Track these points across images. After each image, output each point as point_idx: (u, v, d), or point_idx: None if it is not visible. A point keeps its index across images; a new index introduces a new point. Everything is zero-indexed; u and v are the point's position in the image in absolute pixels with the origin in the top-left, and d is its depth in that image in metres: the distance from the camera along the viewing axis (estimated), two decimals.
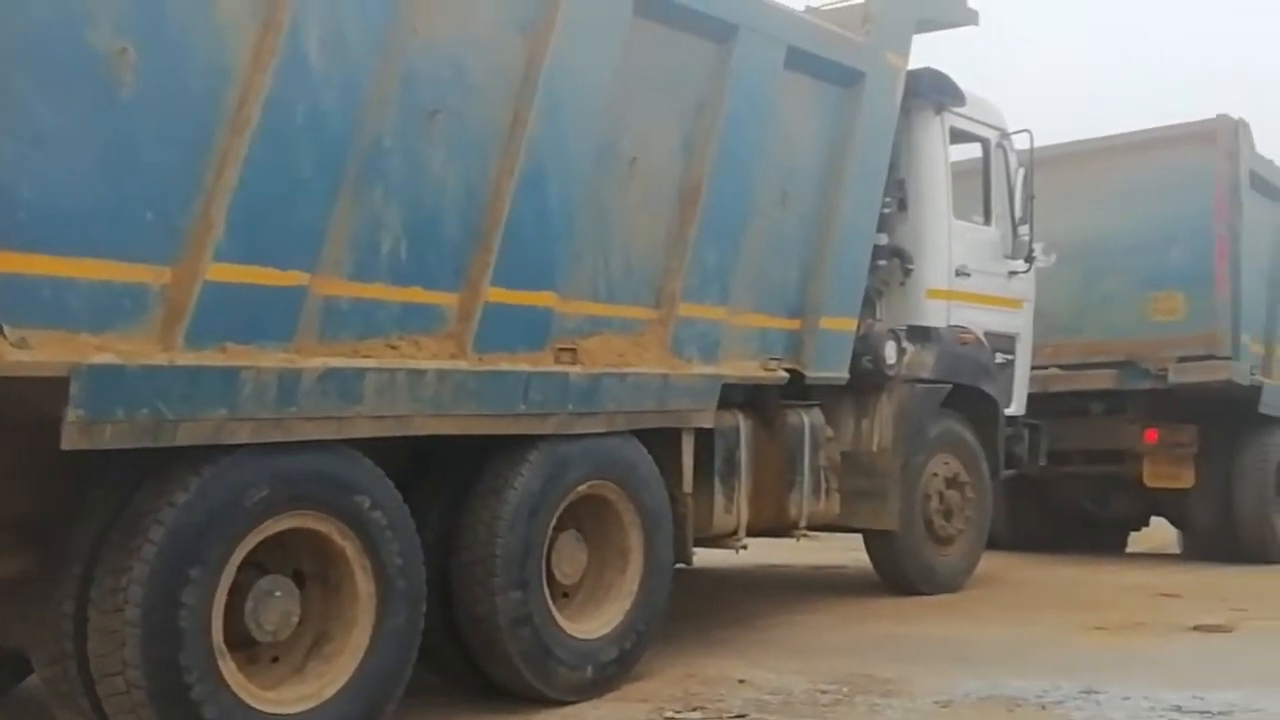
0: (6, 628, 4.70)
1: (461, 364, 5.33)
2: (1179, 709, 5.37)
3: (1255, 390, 11.09)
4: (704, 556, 7.44)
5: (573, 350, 5.91)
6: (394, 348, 5.11)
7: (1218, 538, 11.56)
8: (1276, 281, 11.78)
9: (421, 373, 5.13)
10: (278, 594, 4.70)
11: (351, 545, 4.93)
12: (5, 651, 4.91)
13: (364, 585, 4.97)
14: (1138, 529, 13.43)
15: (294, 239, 4.68)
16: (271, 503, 4.62)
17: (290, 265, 4.66)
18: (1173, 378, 10.79)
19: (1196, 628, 7.53)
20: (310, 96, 4.69)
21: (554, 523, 5.84)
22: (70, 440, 3.97)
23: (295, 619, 4.77)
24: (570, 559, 6.04)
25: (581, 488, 5.97)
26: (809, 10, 8.10)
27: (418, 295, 5.23)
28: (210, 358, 4.39)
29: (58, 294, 4.03)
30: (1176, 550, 12.93)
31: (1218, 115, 11.02)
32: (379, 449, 5.06)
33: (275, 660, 4.83)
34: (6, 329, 3.85)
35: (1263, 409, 11.23)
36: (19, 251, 3.93)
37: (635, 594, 6.22)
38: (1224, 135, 10.90)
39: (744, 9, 6.84)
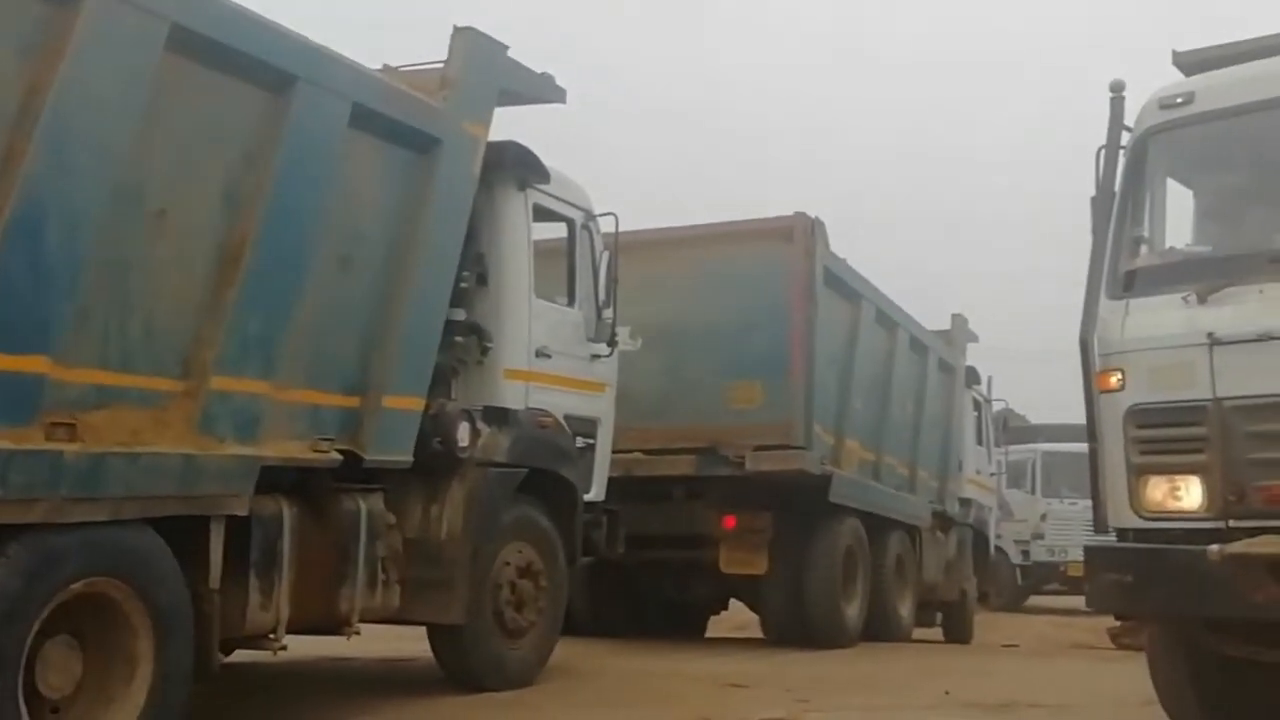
0: None
1: None
2: None
3: (826, 479, 11.45)
4: (249, 651, 6.73)
5: (71, 425, 5.11)
6: None
7: (791, 622, 11.82)
8: (847, 375, 12.28)
9: None
10: None
11: None
12: None
13: None
14: (717, 612, 13.62)
15: None
16: None
17: None
18: (749, 465, 10.96)
19: None
20: None
21: (38, 628, 4.99)
22: None
23: None
24: (60, 669, 5.21)
25: (76, 586, 5.17)
26: (385, 69, 7.65)
27: None
28: None
29: None
30: (758, 632, 13.16)
31: (795, 213, 11.43)
32: None
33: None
34: None
35: (833, 498, 11.60)
36: None
37: (143, 707, 5.45)
38: (801, 232, 11.29)
39: (304, 59, 6.33)
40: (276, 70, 6.12)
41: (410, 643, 8.58)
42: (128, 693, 5.42)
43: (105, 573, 5.26)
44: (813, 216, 11.46)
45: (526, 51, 8.15)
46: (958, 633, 15.90)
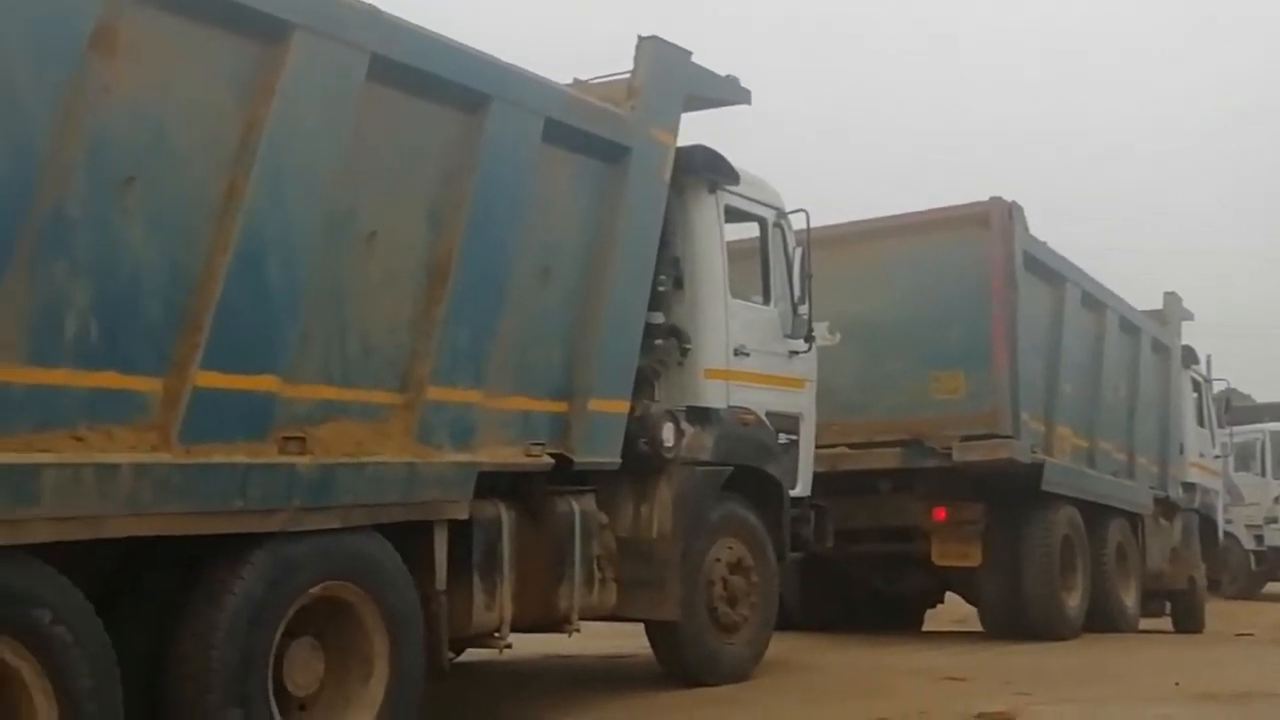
0: None
1: (164, 456, 4.80)
2: None
3: (1037, 468, 11.19)
4: (477, 650, 7.00)
5: (301, 439, 5.43)
6: (80, 439, 4.55)
7: (1010, 614, 11.58)
8: (1054, 360, 11.98)
9: (114, 467, 4.59)
10: None
11: (29, 666, 4.34)
12: None
13: (45, 710, 4.38)
14: (932, 605, 13.42)
15: None
16: None
17: None
18: (957, 456, 10.80)
19: (980, 716, 7.35)
20: None
21: (282, 630, 5.32)
22: None
23: None
24: (304, 669, 5.51)
25: (315, 590, 5.47)
26: (574, 83, 7.87)
27: (111, 380, 4.70)
28: None
29: None
30: (978, 625, 12.93)
31: (991, 198, 11.22)
32: (69, 555, 4.49)
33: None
34: None
35: (1046, 486, 11.33)
36: None
37: (380, 705, 5.72)
38: (998, 217, 11.09)
39: (496, 79, 6.55)
40: (471, 91, 6.36)
41: (631, 639, 8.76)
42: (366, 690, 5.71)
43: (340, 577, 5.56)
44: (1010, 200, 11.24)
45: None
46: (1188, 622, 15.26)
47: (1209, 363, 17.47)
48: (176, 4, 4.90)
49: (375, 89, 5.74)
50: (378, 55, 5.70)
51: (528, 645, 7.49)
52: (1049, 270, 11.93)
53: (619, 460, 7.55)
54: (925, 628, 13.47)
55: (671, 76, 7.98)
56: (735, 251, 8.89)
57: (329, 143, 5.52)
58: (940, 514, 11.26)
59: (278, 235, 5.29)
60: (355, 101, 5.64)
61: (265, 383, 5.23)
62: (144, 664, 4.90)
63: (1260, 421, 22.42)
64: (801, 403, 9.45)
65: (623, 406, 7.58)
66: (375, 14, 5.77)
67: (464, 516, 6.26)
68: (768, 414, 8.91)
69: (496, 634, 6.63)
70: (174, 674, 5.00)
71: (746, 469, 8.59)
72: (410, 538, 5.97)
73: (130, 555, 4.96)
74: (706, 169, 8.50)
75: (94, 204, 4.63)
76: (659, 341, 8.16)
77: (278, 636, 5.29)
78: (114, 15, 4.63)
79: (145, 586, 5.11)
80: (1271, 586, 22.64)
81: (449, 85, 6.22)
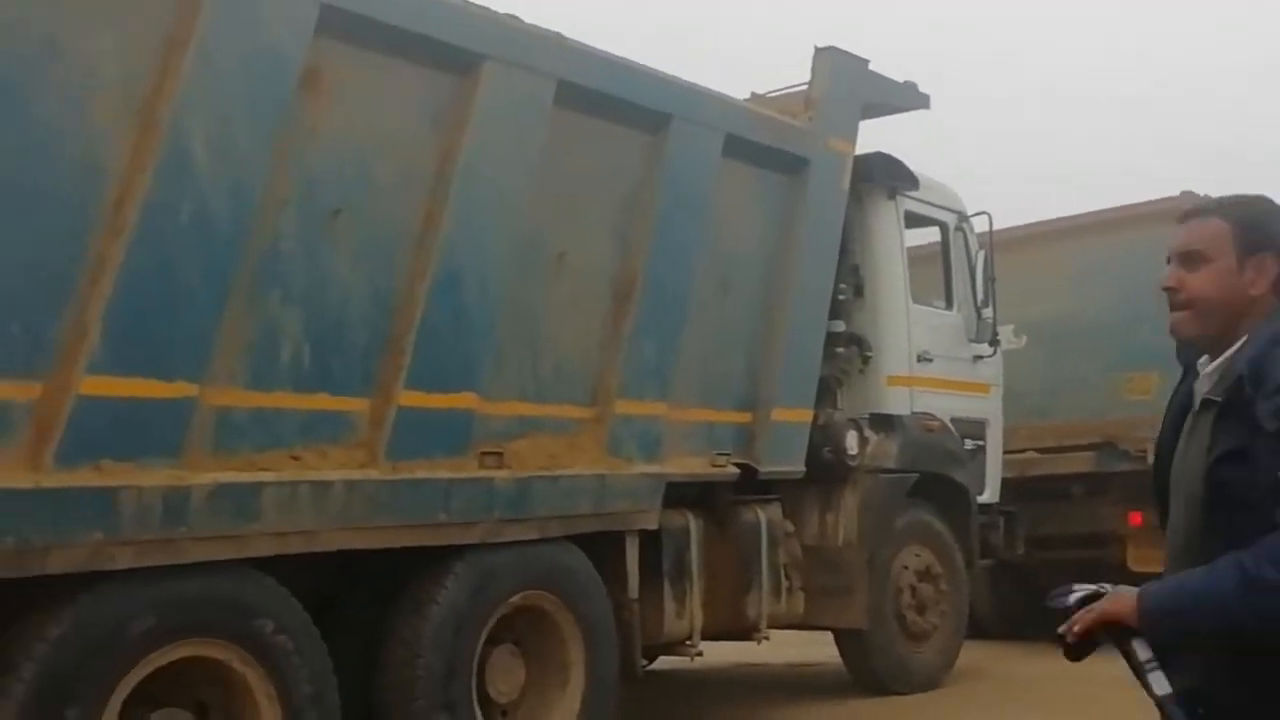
0: None
1: (372, 473, 5.06)
2: None
3: None
4: (667, 659, 7.13)
5: (499, 454, 5.64)
6: (296, 458, 4.84)
7: None
8: None
9: (327, 484, 4.86)
10: None
11: (254, 672, 4.62)
12: None
13: (270, 715, 4.66)
14: None
15: (179, 347, 4.44)
16: (160, 632, 4.33)
17: (176, 375, 4.41)
18: (1152, 459, 10.44)
19: None
20: (196, 198, 4.48)
21: (485, 638, 5.54)
22: None
23: None
24: (506, 675, 5.73)
25: (514, 599, 5.68)
26: (751, 97, 7.95)
27: (323, 402, 4.98)
28: (83, 477, 4.12)
29: None
30: None
31: (1182, 192, 10.85)
32: (287, 568, 4.77)
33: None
34: None
35: None
36: None
37: (579, 710, 5.91)
38: None
39: (677, 98, 6.68)
40: (653, 111, 6.50)
41: (820, 648, 8.77)
42: (563, 697, 5.90)
43: (538, 586, 5.76)
44: (1201, 195, 10.85)
45: None
46: None
47: None
48: (374, 43, 5.15)
49: (562, 114, 5.92)
50: (564, 81, 5.89)
51: (717, 653, 7.57)
52: None
53: (803, 469, 7.60)
54: None
55: (849, 86, 7.99)
56: (917, 257, 8.84)
57: (519, 168, 5.72)
58: (1135, 519, 10.90)
59: (473, 259, 5.52)
60: (543, 127, 5.84)
61: (465, 400, 5.46)
62: (355, 672, 5.15)
63: None
64: (988, 408, 9.32)
65: (806, 415, 7.63)
66: (561, 41, 5.96)
67: (654, 526, 6.40)
68: (953, 420, 8.82)
69: (688, 641, 6.75)
70: (383, 681, 5.26)
71: (932, 476, 8.53)
72: (602, 548, 6.14)
73: (341, 568, 5.23)
74: (885, 176, 8.47)
75: (305, 237, 4.92)
76: (840, 350, 8.17)
77: (480, 644, 5.51)
78: (318, 57, 4.91)
79: (355, 598, 5.38)
80: None
81: (631, 107, 6.37)
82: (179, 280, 4.43)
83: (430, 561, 5.38)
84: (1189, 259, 2.47)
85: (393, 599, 5.36)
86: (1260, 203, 2.54)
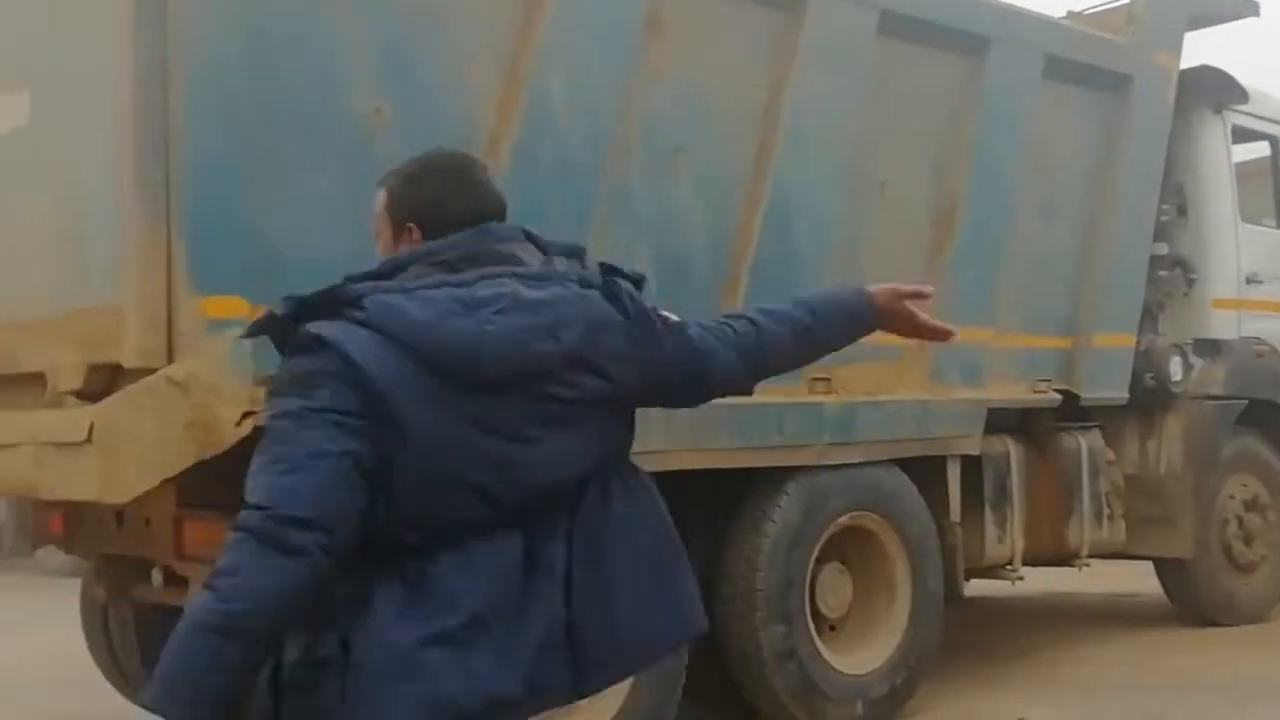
0: None
1: None
2: None
3: None
4: (982, 585, 7.21)
5: (827, 380, 5.82)
6: None
7: None
8: None
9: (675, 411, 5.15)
10: None
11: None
12: None
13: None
14: None
15: None
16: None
17: None
18: None
19: None
20: (556, 144, 4.82)
21: (815, 555, 5.78)
22: None
23: None
24: (834, 592, 5.95)
25: (842, 519, 5.88)
26: (1069, 15, 7.76)
27: None
28: None
29: None
30: None
31: None
32: None
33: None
34: None
35: None
36: None
37: (905, 627, 6.08)
38: None
39: (996, 21, 6.61)
40: (972, 35, 6.45)
41: (1138, 579, 8.64)
42: (890, 613, 6.08)
43: (864, 507, 5.94)
44: None
45: None
46: None
47: None
48: None
49: (884, 43, 5.98)
50: (887, 10, 5.95)
51: (1036, 581, 7.59)
52: None
53: (1126, 395, 7.47)
54: None
55: None
56: (1246, 173, 8.45)
57: (845, 99, 5.83)
58: None
59: (802, 191, 5.68)
60: (867, 57, 5.92)
61: None
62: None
63: None
64: None
65: (1128, 341, 7.49)
66: None
67: (975, 452, 6.47)
68: None
69: (1008, 565, 6.80)
70: (726, 592, 5.57)
71: (1262, 403, 8.21)
72: (925, 472, 6.25)
73: (678, 486, 5.53)
74: (1212, 89, 8.12)
75: (650, 174, 5.20)
76: (1163, 273, 7.93)
77: (812, 561, 5.74)
78: (660, 3, 5.16)
79: (693, 514, 5.68)
80: None
81: (951, 32, 6.35)
82: (545, 222, 4.72)
83: (763, 482, 5.64)
84: None
85: (730, 517, 5.65)
86: None
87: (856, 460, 5.90)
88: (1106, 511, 7.39)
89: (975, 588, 7.13)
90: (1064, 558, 7.27)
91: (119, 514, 4.80)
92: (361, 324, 2.10)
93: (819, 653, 5.73)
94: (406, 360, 2.09)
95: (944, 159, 6.44)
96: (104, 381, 4.01)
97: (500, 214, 2.38)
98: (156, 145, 3.88)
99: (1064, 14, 7.74)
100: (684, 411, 5.09)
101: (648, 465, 4.94)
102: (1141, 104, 7.40)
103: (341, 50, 4.31)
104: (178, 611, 4.83)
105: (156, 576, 4.80)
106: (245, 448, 3.91)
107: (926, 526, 6.20)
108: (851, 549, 6.02)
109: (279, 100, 4.15)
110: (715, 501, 5.65)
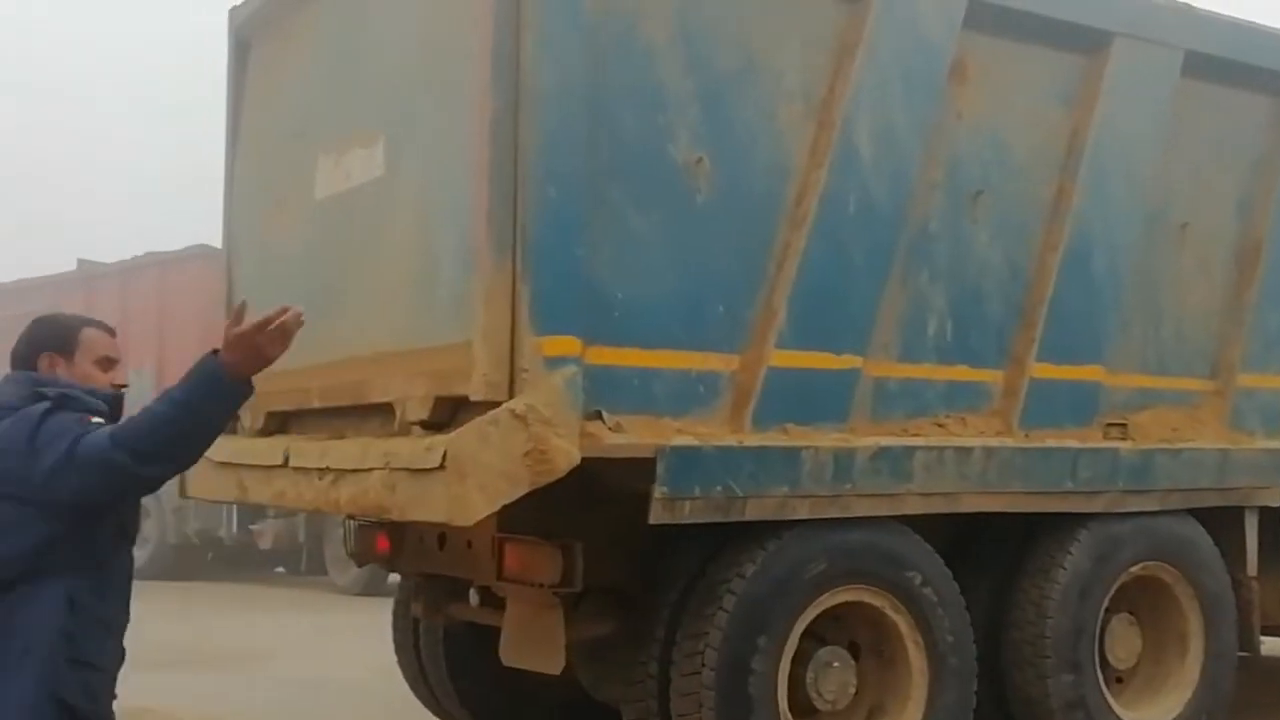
0: (598, 684, 5.21)
1: (1008, 441, 5.32)
2: None
3: None
4: (1276, 644, 6.92)
5: (1122, 425, 5.73)
6: (941, 425, 5.19)
7: None
8: None
9: (969, 450, 5.17)
10: (836, 664, 4.90)
11: (904, 620, 5.04)
12: (597, 704, 5.44)
13: (916, 660, 5.06)
14: None
15: (848, 324, 4.91)
16: (829, 576, 4.83)
17: (844, 349, 4.89)
18: None
19: None
20: (861, 188, 4.92)
21: (1105, 604, 5.67)
22: (656, 515, 4.37)
23: (852, 690, 4.94)
24: (1124, 643, 5.83)
25: (1134, 569, 5.76)
26: None
27: (963, 374, 5.30)
28: (774, 438, 4.68)
29: (644, 383, 4.48)
30: None
31: None
32: (925, 526, 5.15)
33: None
34: (605, 415, 4.31)
35: None
36: (613, 346, 4.40)
37: (1196, 683, 5.91)
38: None
39: None
40: (1275, 73, 6.26)
41: None
42: (1181, 667, 5.91)
43: (1157, 558, 5.79)
44: None
45: None
46: None
47: None
48: (1011, 31, 5.38)
49: (1188, 84, 5.86)
50: (1192, 51, 5.83)
51: None
52: None
53: None
54: None
55: None
56: None
57: (1147, 140, 5.75)
58: None
59: (1102, 232, 5.62)
60: (1170, 98, 5.81)
61: (1091, 372, 5.59)
62: (984, 626, 5.45)
63: None
64: None
65: None
66: (1189, 11, 5.90)
67: (1276, 503, 6.22)
68: None
69: None
70: (1012, 637, 5.52)
71: None
72: (1220, 523, 6.06)
73: (962, 530, 5.53)
74: None
75: (950, 217, 5.25)
76: None
77: (1102, 610, 5.64)
78: (964, 49, 5.21)
79: (979, 558, 5.66)
80: None
81: (1258, 72, 6.17)
82: (849, 264, 4.89)
83: (1054, 528, 5.57)
84: None
85: (1018, 561, 5.60)
86: None
87: (1151, 509, 5.77)
88: None
89: (1271, 646, 6.84)
90: None
91: (441, 536, 5.13)
92: None
93: (1107, 704, 5.62)
94: None
95: (1248, 199, 6.26)
96: (447, 413, 4.33)
97: None
98: (505, 196, 4.16)
99: None
100: (977, 453, 5.19)
101: (938, 506, 5.09)
102: None
103: (669, 105, 4.53)
104: (488, 630, 5.21)
105: (474, 596, 5.11)
106: (565, 478, 4.16)
107: (1222, 580, 6.00)
108: (1142, 600, 5.88)
109: (612, 153, 4.40)
110: (1004, 544, 5.62)
